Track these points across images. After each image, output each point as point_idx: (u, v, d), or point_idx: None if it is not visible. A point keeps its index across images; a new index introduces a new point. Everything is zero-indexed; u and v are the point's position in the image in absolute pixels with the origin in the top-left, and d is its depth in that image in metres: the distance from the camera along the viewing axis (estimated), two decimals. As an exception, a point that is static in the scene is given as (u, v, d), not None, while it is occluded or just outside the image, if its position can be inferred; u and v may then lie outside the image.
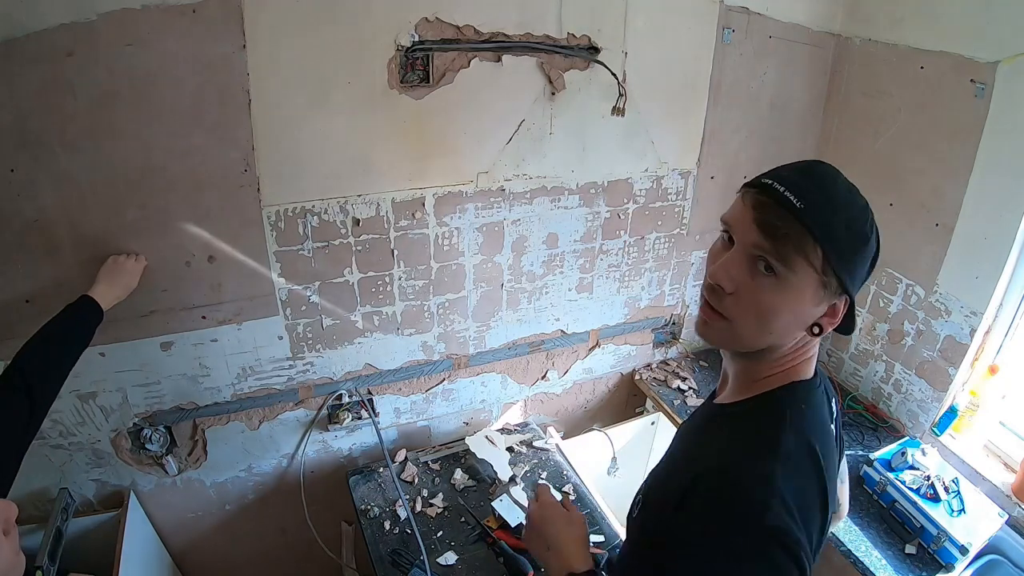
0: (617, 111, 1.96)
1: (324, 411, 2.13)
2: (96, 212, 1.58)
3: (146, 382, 1.84)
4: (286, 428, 2.12)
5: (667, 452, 1.03)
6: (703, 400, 1.18)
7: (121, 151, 1.54)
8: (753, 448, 0.81)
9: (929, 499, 1.92)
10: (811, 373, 0.90)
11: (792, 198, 0.77)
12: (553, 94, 1.91)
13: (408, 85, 1.74)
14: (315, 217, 1.80)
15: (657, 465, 1.01)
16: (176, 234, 1.68)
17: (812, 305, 0.82)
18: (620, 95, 1.95)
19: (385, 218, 1.88)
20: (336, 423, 2.13)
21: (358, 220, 1.85)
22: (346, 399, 2.14)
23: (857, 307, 0.89)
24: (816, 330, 0.85)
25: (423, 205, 1.91)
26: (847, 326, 0.87)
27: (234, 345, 1.88)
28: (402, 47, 1.68)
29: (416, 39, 1.69)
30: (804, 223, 0.76)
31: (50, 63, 1.40)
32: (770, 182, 0.80)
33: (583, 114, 1.99)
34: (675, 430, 1.21)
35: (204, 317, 1.81)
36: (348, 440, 2.25)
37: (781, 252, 0.78)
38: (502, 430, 2.36)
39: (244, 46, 1.54)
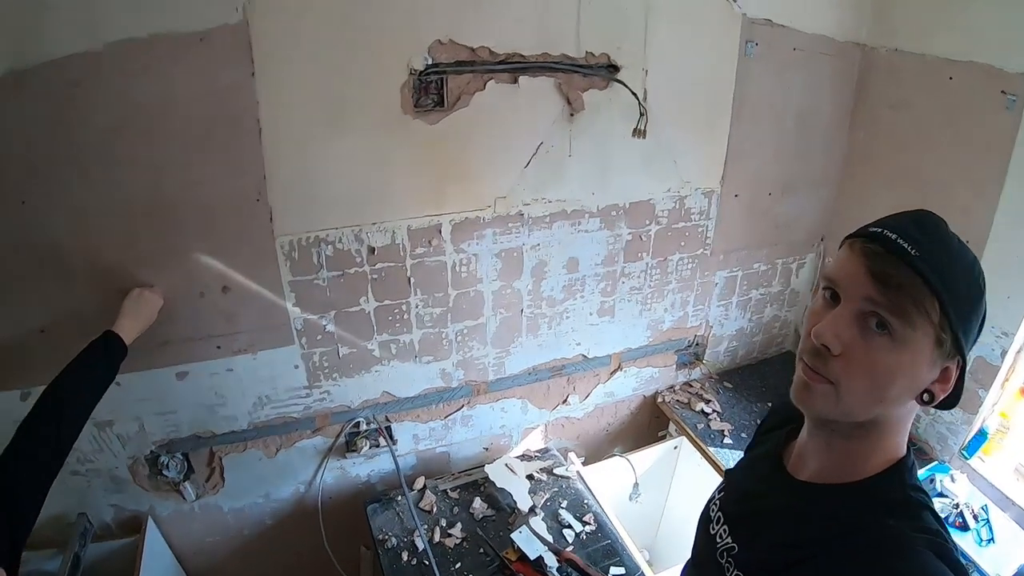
0: (638, 132, 1.90)
1: (342, 439, 2.10)
2: (108, 243, 1.57)
3: (162, 411, 1.83)
4: (304, 455, 2.10)
5: (744, 529, 0.91)
6: (746, 462, 1.05)
7: (132, 181, 1.52)
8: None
9: (958, 528, 1.88)
10: (905, 448, 0.81)
11: (905, 244, 0.71)
12: (572, 115, 1.86)
13: (422, 109, 1.70)
14: (329, 246, 1.77)
15: (726, 545, 0.90)
16: (189, 265, 1.66)
17: (927, 368, 0.74)
18: (641, 115, 1.88)
19: (401, 246, 1.85)
20: (354, 451, 2.11)
21: (373, 248, 1.82)
22: (364, 427, 2.11)
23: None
24: (927, 397, 0.76)
25: (439, 232, 1.87)
26: (953, 397, 0.77)
27: (250, 374, 1.86)
28: (415, 71, 1.65)
29: (429, 62, 1.65)
30: (920, 272, 0.69)
31: (59, 93, 1.39)
32: (880, 229, 0.73)
33: (603, 135, 1.93)
34: (722, 481, 1.06)
35: (219, 347, 1.79)
36: (366, 467, 2.23)
37: (897, 305, 0.70)
38: (522, 456, 2.32)
39: (253, 73, 1.52)
